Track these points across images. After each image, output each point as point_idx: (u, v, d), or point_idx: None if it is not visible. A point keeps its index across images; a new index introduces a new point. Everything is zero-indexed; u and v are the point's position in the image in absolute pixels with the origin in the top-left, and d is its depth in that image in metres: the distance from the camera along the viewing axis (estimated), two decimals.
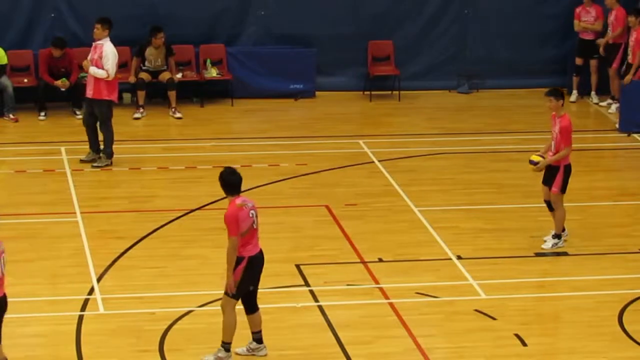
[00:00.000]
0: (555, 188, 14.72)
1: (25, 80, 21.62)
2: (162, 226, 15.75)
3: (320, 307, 13.78)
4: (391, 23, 23.15)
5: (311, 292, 14.21)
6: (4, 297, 10.92)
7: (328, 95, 22.36)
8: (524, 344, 12.30)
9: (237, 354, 12.41)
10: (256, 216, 11.87)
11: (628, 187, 18.52)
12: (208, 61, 22.39)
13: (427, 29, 23.53)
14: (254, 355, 12.57)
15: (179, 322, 12.92)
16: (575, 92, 22.84)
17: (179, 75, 21.93)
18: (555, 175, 15.60)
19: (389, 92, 22.97)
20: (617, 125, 21.15)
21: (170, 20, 22.00)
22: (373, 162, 18.94)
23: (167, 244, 15.06)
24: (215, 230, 14.28)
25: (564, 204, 15.20)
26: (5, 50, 21.31)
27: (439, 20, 23.60)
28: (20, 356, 12.10)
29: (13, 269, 12.49)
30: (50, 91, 21.22)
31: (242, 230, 11.75)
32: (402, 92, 22.89)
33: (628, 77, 20.97)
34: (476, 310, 13.34)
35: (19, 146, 20.29)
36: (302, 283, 14.40)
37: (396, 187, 17.49)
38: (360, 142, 19.96)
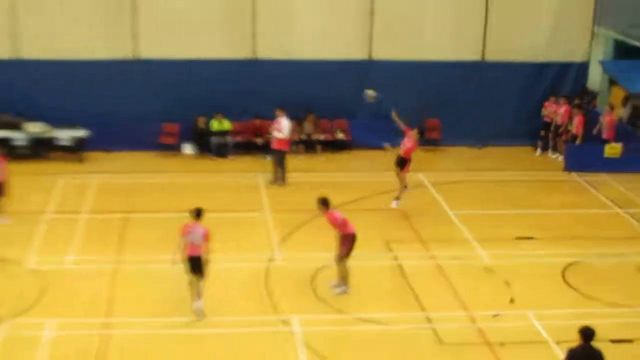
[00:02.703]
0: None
1: (239, 139, 28.11)
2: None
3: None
4: (437, 105, 28.61)
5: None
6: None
7: None
8: None
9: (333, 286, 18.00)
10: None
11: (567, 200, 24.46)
12: (338, 130, 28.72)
13: (468, 109, 29.26)
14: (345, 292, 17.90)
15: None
16: (539, 149, 29.05)
17: (322, 137, 28.38)
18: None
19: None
20: (563, 167, 27.16)
21: (316, 103, 28.14)
22: None
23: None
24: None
25: None
26: (231, 121, 28.21)
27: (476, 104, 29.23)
28: None
29: None
30: (253, 144, 27.95)
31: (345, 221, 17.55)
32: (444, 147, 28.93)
33: (578, 141, 27.24)
34: None
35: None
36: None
37: None
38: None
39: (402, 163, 23.16)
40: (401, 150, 23.16)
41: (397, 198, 23.34)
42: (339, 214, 18.01)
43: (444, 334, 16.61)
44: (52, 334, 16.29)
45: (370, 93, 23.09)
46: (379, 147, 26.16)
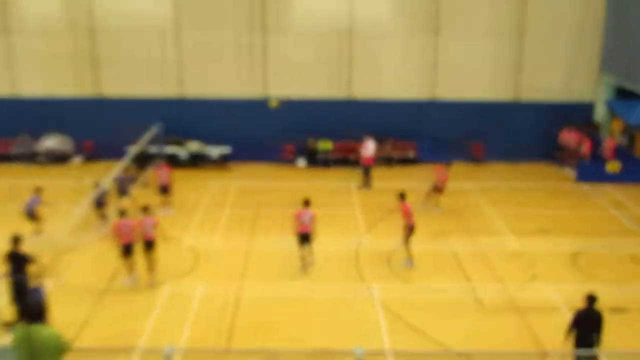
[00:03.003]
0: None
1: (337, 155, 27.87)
2: None
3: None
4: (482, 130, 28.30)
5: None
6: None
7: None
8: None
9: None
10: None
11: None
12: (409, 150, 28.16)
13: (503, 135, 28.50)
14: (410, 267, 17.73)
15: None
16: (557, 166, 28.12)
17: (397, 155, 28.23)
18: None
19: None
20: (574, 179, 26.47)
21: (393, 130, 27.95)
22: None
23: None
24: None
25: None
26: (332, 142, 28.16)
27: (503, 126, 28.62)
28: None
29: None
30: (347, 160, 27.61)
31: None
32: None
33: (586, 160, 26.44)
34: None
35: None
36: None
37: None
38: None
39: (439, 189, 22.55)
40: (438, 181, 22.48)
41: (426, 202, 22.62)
42: (411, 207, 17.96)
43: (483, 300, 16.49)
44: (201, 293, 16.68)
45: (273, 102, 22.88)
46: (440, 163, 25.46)
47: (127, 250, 16.74)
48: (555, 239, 20.61)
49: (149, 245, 16.80)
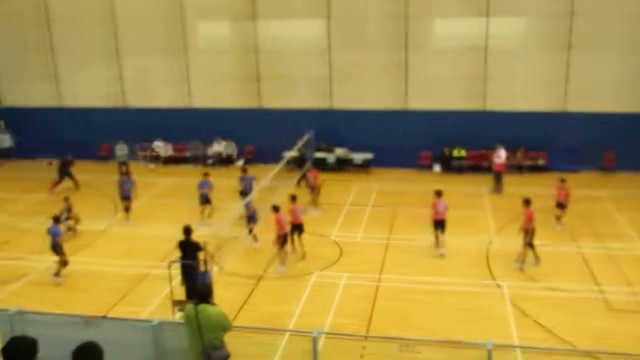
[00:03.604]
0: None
1: (470, 162, 27.31)
2: None
3: None
4: (613, 140, 26.53)
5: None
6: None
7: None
8: None
9: None
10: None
11: None
12: (540, 158, 27.08)
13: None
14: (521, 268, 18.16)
15: None
16: None
17: (528, 163, 27.01)
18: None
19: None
20: None
21: (525, 138, 26.95)
22: None
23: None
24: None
25: None
26: (466, 150, 27.51)
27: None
28: None
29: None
30: (480, 166, 26.92)
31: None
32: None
33: None
34: None
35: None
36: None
37: None
38: None
39: (561, 206, 20.65)
40: (559, 198, 20.75)
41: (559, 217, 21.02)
42: (533, 212, 17.33)
43: (612, 301, 15.57)
44: (345, 282, 16.77)
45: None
46: (570, 171, 25.65)
47: (284, 240, 17.43)
48: None
49: (300, 228, 17.94)
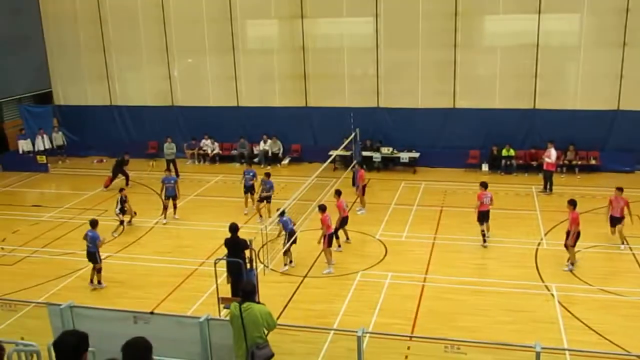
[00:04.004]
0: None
1: (520, 162, 26.93)
2: None
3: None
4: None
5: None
6: None
7: None
8: None
9: None
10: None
11: None
12: (591, 158, 26.58)
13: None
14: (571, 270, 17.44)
15: None
16: None
17: (579, 162, 26.50)
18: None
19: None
20: None
21: (577, 137, 26.46)
22: None
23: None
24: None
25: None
26: (515, 149, 27.01)
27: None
28: None
29: None
30: (530, 166, 26.67)
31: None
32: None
33: None
34: None
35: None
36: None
37: None
38: None
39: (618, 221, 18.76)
40: (614, 211, 19.07)
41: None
42: (578, 214, 16.99)
43: None
44: (390, 281, 16.67)
45: None
46: (622, 172, 25.64)
47: (330, 240, 17.42)
48: None
49: (346, 220, 18.55)
